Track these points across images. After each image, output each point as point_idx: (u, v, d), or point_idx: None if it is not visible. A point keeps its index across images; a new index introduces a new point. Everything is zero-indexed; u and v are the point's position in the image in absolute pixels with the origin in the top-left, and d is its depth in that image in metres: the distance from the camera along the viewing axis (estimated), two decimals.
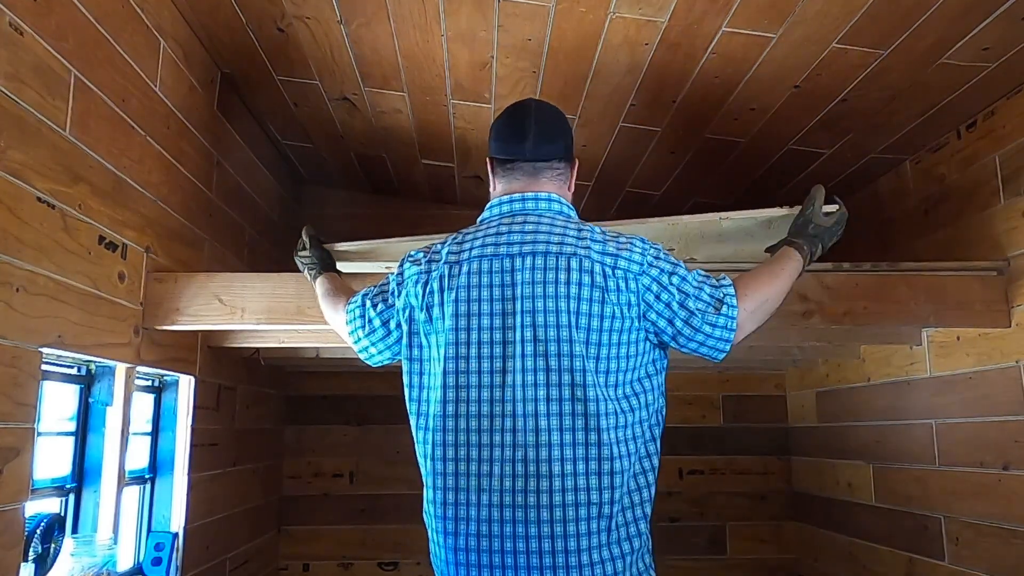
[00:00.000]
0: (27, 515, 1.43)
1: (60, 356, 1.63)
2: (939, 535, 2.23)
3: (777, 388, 3.41)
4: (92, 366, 1.80)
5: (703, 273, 1.39)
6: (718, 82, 2.05)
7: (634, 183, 2.87)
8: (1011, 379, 1.95)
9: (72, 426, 1.80)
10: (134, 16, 1.78)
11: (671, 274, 1.35)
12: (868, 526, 2.64)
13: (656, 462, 1.36)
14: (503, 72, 2.15)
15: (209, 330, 2.19)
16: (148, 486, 2.12)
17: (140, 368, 1.88)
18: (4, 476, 1.33)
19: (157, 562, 2.01)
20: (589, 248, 1.33)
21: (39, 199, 1.42)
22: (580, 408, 1.28)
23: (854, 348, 2.64)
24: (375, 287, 1.52)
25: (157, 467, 2.14)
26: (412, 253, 1.47)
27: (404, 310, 1.42)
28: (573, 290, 1.30)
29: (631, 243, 1.36)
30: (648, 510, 1.34)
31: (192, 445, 2.16)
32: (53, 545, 1.56)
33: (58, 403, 1.77)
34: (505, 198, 1.44)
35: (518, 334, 1.30)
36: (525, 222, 1.39)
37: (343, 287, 1.74)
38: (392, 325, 1.46)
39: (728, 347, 1.37)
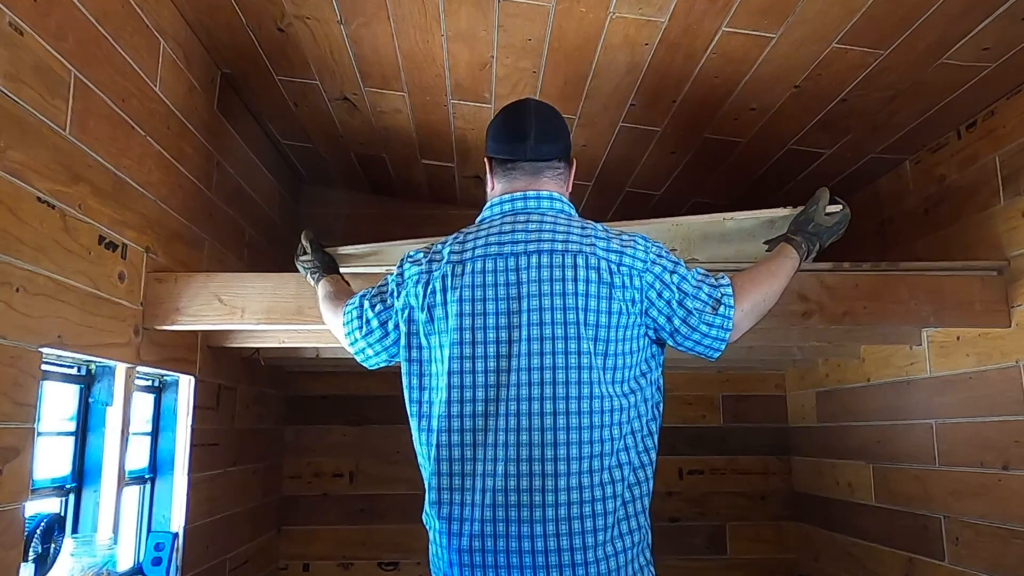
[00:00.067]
0: (27, 515, 1.43)
1: (60, 356, 1.63)
2: (939, 535, 2.23)
3: (777, 388, 3.41)
4: (92, 366, 1.80)
5: (702, 272, 1.40)
6: (718, 82, 2.05)
7: (634, 183, 2.87)
8: (1011, 379, 1.95)
9: (72, 426, 1.80)
10: (134, 16, 1.78)
11: (672, 272, 1.36)
12: (868, 526, 2.64)
13: (654, 456, 1.37)
14: (503, 72, 2.14)
15: (209, 330, 2.19)
16: (148, 486, 2.12)
17: (140, 368, 1.88)
18: (4, 476, 1.33)
19: (157, 562, 2.01)
20: (594, 245, 1.34)
21: (39, 199, 1.42)
22: (585, 406, 1.28)
23: (854, 348, 2.64)
24: (374, 288, 1.52)
25: (157, 467, 2.14)
26: (412, 253, 1.46)
27: (403, 310, 1.41)
28: (580, 287, 1.30)
29: (634, 240, 1.37)
30: (647, 503, 1.35)
31: (192, 445, 2.16)
32: (53, 545, 1.56)
33: (58, 403, 1.77)
34: (507, 197, 1.44)
35: (524, 332, 1.30)
36: (528, 221, 1.39)
37: (344, 290, 1.74)
38: (390, 326, 1.45)
39: (724, 346, 1.39)
